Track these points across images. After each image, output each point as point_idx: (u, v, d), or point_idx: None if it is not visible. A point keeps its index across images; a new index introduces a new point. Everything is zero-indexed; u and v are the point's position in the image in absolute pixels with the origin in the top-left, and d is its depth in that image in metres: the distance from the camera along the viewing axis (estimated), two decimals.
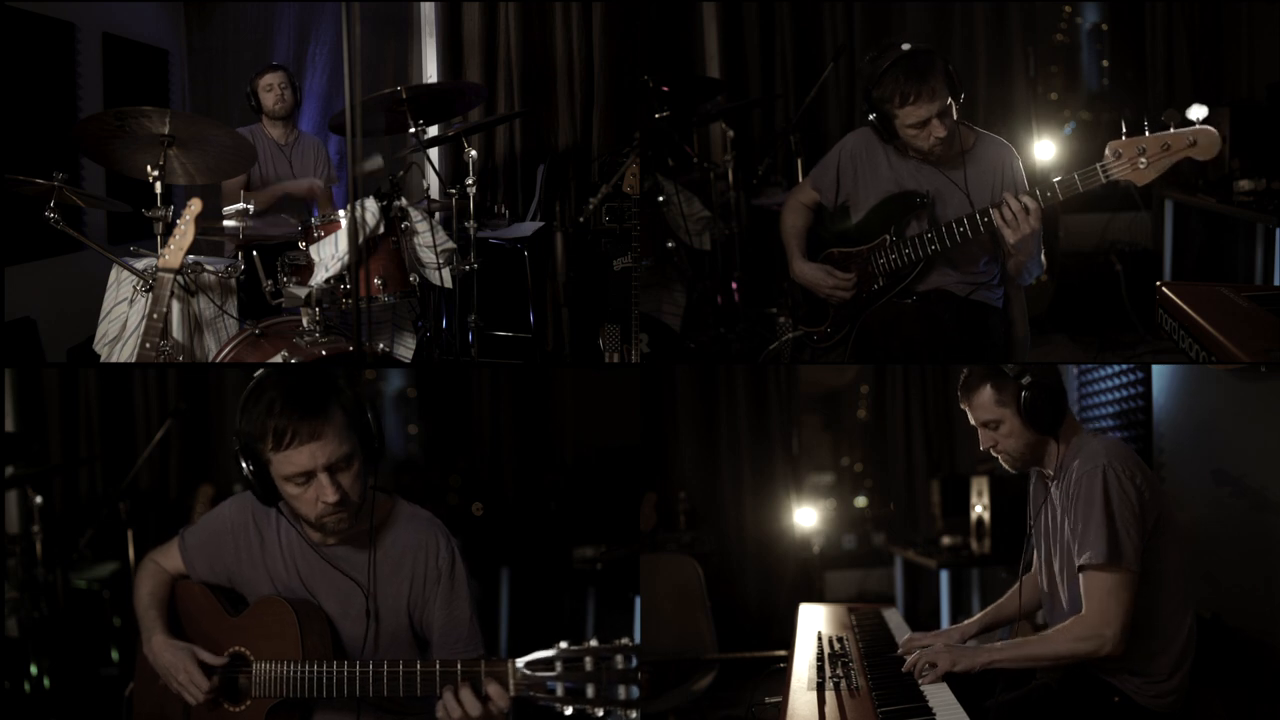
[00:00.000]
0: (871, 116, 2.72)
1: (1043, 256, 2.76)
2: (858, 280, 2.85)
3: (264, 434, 1.79)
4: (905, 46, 2.64)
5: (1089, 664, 1.93)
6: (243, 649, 1.90)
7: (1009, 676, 1.97)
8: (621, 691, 1.59)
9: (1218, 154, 2.41)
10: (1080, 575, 1.92)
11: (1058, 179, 2.49)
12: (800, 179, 4.50)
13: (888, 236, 2.77)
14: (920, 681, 1.95)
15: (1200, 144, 2.36)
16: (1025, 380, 1.99)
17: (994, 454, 2.10)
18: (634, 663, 1.60)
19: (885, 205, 2.80)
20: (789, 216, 3.04)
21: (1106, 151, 2.42)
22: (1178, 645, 1.95)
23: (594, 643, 1.63)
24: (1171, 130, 2.37)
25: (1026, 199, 2.49)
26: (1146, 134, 2.39)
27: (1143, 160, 2.39)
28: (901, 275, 2.78)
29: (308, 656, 1.83)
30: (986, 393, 2.04)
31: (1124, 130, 2.41)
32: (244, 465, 1.82)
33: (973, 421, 2.10)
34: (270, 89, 4.06)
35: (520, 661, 1.67)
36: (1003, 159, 2.76)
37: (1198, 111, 2.36)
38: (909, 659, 2.02)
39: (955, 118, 2.66)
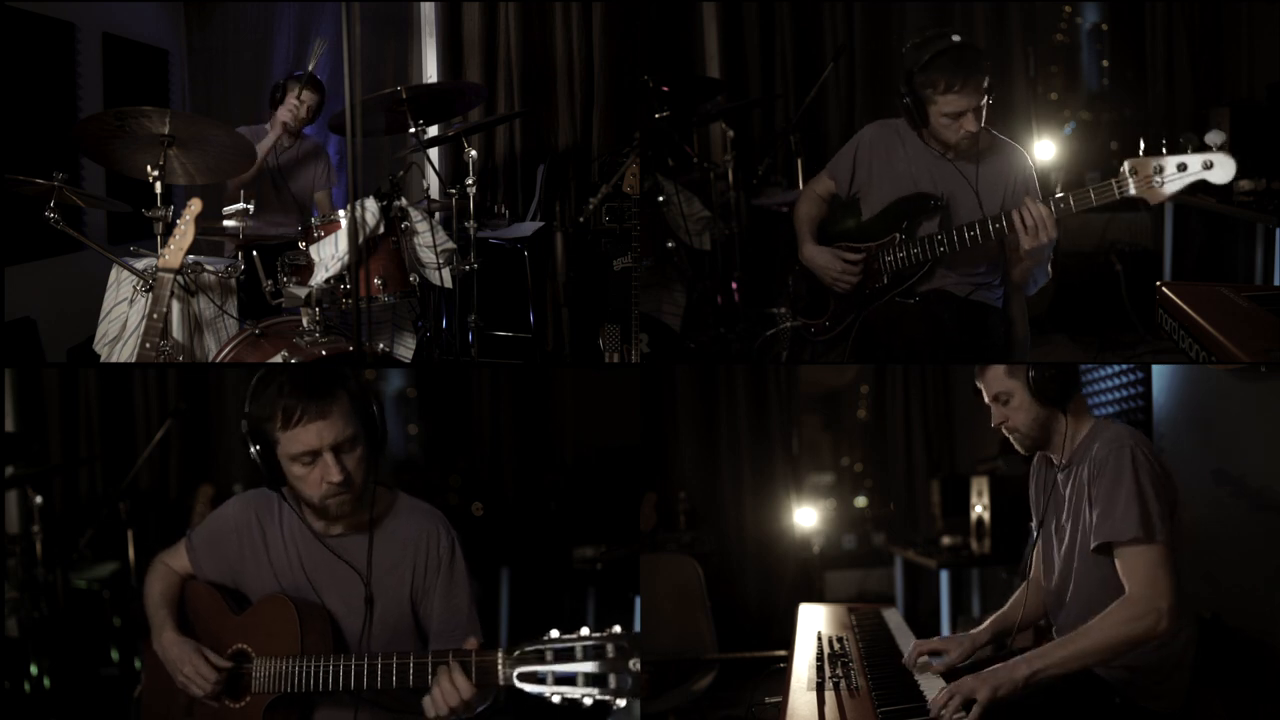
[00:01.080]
0: (906, 100, 2.73)
1: (1049, 265, 2.77)
2: (863, 275, 2.85)
3: (273, 414, 1.84)
4: (955, 38, 2.67)
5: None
6: (245, 646, 1.91)
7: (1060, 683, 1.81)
8: (612, 681, 1.59)
9: None
10: (1115, 555, 1.86)
11: (1073, 191, 2.51)
12: (800, 179, 4.52)
13: (898, 235, 2.77)
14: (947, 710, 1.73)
15: (1217, 168, 2.39)
16: None
17: (1005, 432, 2.09)
18: (624, 650, 1.60)
19: (899, 205, 2.80)
20: (803, 205, 3.04)
21: (1123, 168, 2.45)
22: (1179, 644, 1.95)
23: (585, 631, 1.63)
24: (1190, 153, 2.40)
25: (1042, 207, 2.50)
26: (1164, 153, 2.41)
27: (1158, 179, 2.42)
28: (907, 275, 2.78)
29: (307, 653, 1.84)
30: (998, 366, 2.05)
31: (1142, 148, 2.44)
32: (252, 448, 1.87)
33: (986, 399, 2.09)
34: (300, 104, 3.99)
35: (511, 651, 1.67)
36: (1017, 166, 2.78)
37: (1215, 137, 2.39)
38: (939, 695, 1.76)
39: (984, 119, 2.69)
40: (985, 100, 2.65)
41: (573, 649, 1.62)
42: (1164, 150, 2.43)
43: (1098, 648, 1.79)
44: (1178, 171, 2.41)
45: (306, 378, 1.86)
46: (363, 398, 1.90)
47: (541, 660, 1.63)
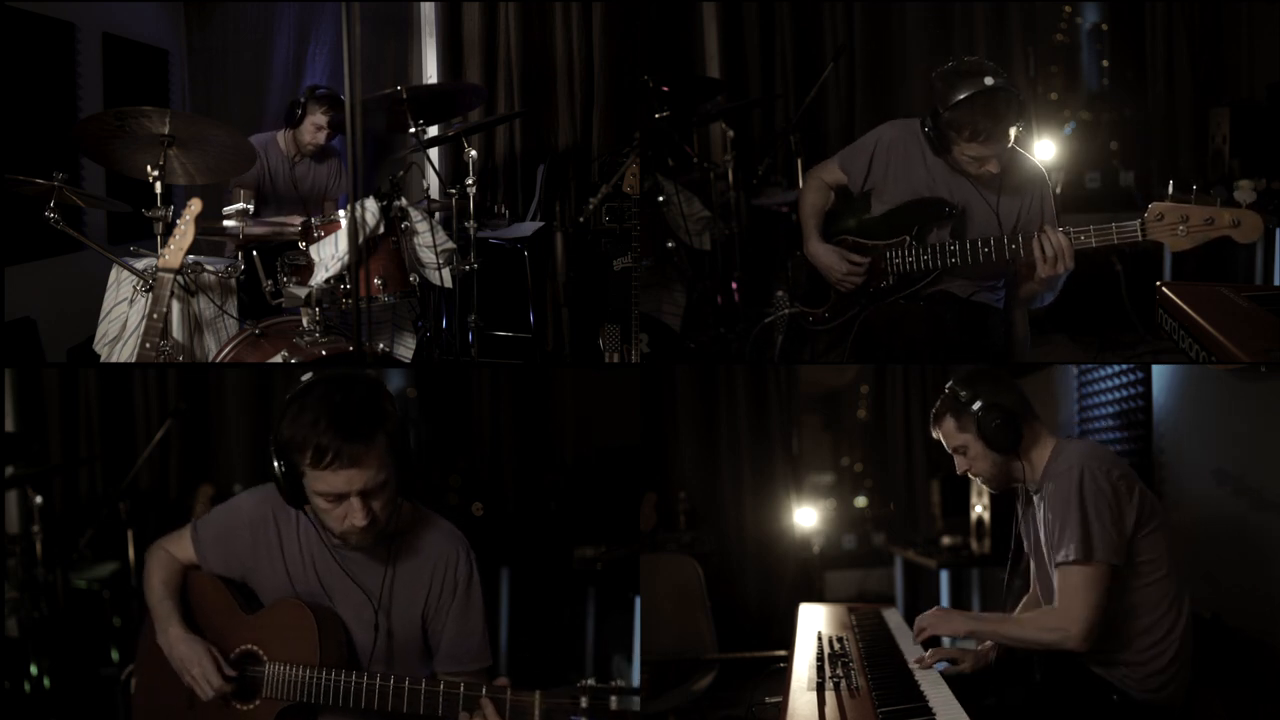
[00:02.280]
0: (928, 130, 2.69)
1: (1059, 287, 2.76)
2: (868, 275, 2.84)
3: (304, 447, 1.74)
4: (989, 80, 2.56)
5: (1081, 658, 1.97)
6: (254, 647, 1.89)
7: (1007, 675, 1.99)
8: None
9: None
10: (1055, 571, 1.97)
11: (1095, 227, 2.50)
12: (800, 179, 4.51)
13: (908, 237, 2.76)
14: (917, 637, 2.08)
15: (1244, 226, 2.38)
16: (976, 406, 2.08)
17: (971, 476, 2.19)
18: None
19: (912, 207, 2.78)
20: (810, 194, 3.01)
21: (1149, 210, 2.44)
22: (1160, 629, 1.96)
23: (619, 682, 1.64)
24: (1218, 206, 2.38)
25: (1063, 238, 2.50)
26: (1193, 202, 2.40)
27: (1182, 228, 2.41)
28: (913, 279, 2.77)
29: (324, 664, 1.82)
30: (949, 423, 2.15)
31: (1170, 189, 2.42)
32: (276, 465, 1.79)
33: (947, 449, 2.19)
34: (321, 129, 3.91)
35: (545, 694, 1.67)
36: (1036, 187, 2.75)
37: (1245, 195, 2.38)
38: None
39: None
40: (1012, 140, 2.59)
41: (606, 697, 1.61)
42: (1193, 196, 2.40)
43: (1015, 638, 2.02)
44: (1203, 224, 2.39)
45: (346, 415, 1.74)
46: (400, 437, 1.81)
47: (576, 706, 1.63)
